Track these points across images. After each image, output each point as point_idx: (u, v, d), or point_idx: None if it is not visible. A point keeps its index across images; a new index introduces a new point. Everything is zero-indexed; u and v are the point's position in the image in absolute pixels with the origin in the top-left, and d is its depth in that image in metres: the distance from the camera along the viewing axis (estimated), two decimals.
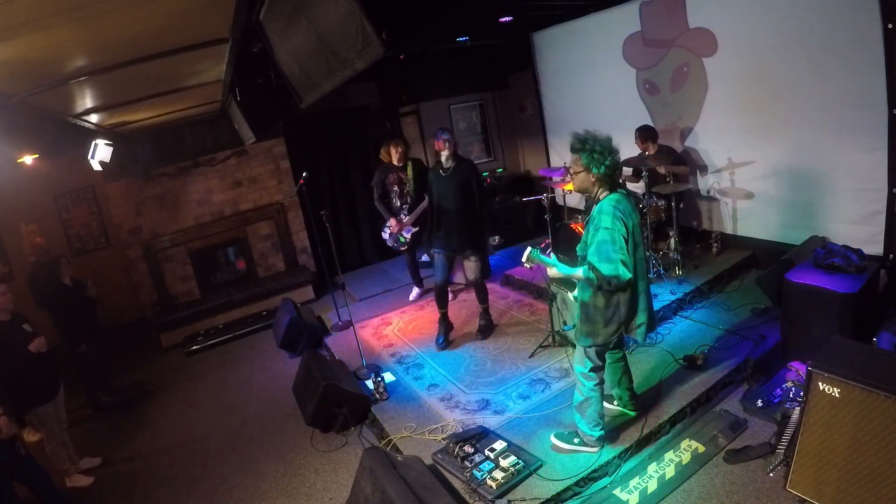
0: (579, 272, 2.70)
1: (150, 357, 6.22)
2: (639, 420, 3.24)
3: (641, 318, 2.82)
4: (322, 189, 7.25)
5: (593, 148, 2.64)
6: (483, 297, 4.66)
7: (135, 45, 2.63)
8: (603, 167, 2.63)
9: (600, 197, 2.72)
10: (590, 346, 2.86)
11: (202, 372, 5.60)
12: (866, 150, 3.99)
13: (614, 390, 3.33)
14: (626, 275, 2.56)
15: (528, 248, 2.96)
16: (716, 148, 5.26)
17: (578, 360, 2.96)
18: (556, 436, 3.15)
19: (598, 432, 3.00)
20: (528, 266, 3.01)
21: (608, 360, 3.19)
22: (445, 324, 4.70)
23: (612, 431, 3.19)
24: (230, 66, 3.63)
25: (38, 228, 6.47)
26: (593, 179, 2.69)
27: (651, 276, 4.87)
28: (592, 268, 2.60)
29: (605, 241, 2.57)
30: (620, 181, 2.81)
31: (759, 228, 5.12)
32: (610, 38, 5.95)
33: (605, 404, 3.40)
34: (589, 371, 2.92)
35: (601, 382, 2.96)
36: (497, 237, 4.47)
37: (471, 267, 4.48)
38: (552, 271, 2.84)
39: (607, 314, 2.77)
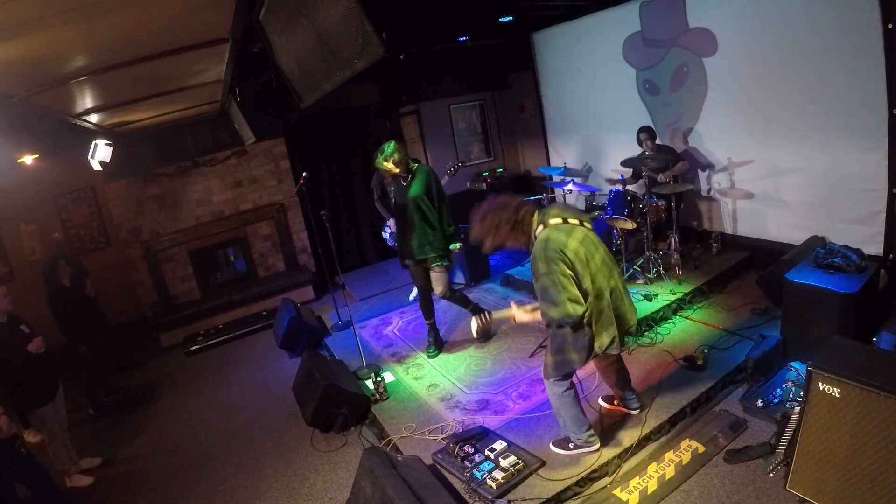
0: (538, 314, 2.69)
1: (150, 357, 6.22)
2: (639, 420, 3.24)
3: (612, 331, 2.72)
4: (322, 189, 7.26)
5: (497, 222, 2.64)
6: (464, 303, 4.53)
7: (135, 45, 2.63)
8: (518, 224, 2.64)
9: (535, 238, 2.66)
10: (561, 378, 2.83)
11: (202, 372, 5.60)
12: (866, 150, 3.99)
13: (613, 391, 3.33)
14: (577, 311, 2.52)
15: (473, 321, 2.97)
16: (716, 148, 5.26)
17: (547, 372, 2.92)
18: (554, 444, 3.15)
19: (585, 433, 2.99)
20: (479, 336, 2.95)
21: (603, 366, 3.19)
22: (435, 334, 4.61)
23: (612, 431, 3.19)
24: (230, 66, 3.63)
25: (38, 228, 6.48)
26: (522, 232, 2.67)
27: (650, 275, 4.88)
28: (544, 314, 2.61)
29: (546, 287, 2.54)
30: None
31: (759, 228, 5.12)
32: (610, 38, 5.95)
33: (604, 404, 3.41)
34: (555, 381, 2.87)
35: (571, 387, 2.92)
36: (459, 244, 4.34)
37: (435, 278, 4.26)
38: (519, 318, 2.82)
39: (578, 342, 2.71)
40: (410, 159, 4.23)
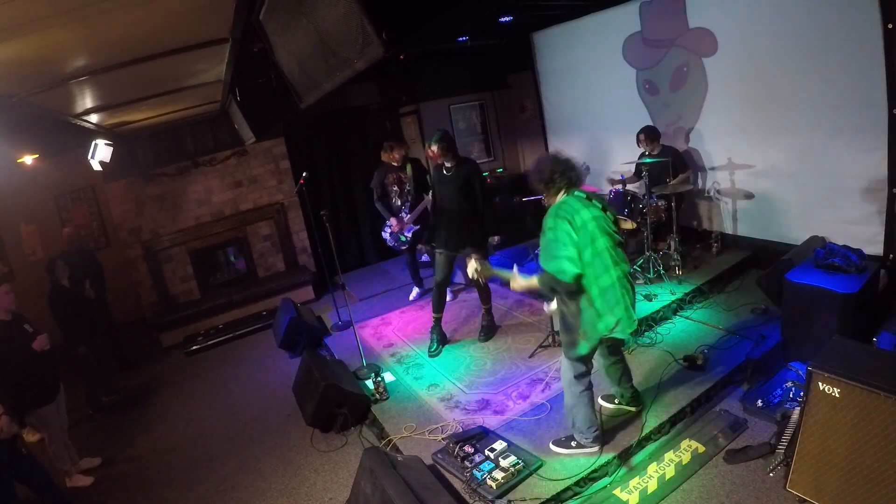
0: (534, 279, 2.75)
1: (150, 357, 6.22)
2: (639, 420, 3.24)
3: (618, 312, 2.73)
4: (322, 189, 7.26)
5: (538, 178, 2.80)
6: (486, 297, 4.64)
7: (135, 45, 2.63)
8: (546, 183, 2.78)
9: (555, 201, 2.81)
10: (576, 358, 2.86)
11: (202, 372, 5.60)
12: (866, 150, 3.99)
13: (614, 388, 3.34)
14: (570, 270, 2.60)
15: (472, 261, 2.95)
16: (716, 148, 5.26)
17: (564, 368, 2.96)
18: (554, 443, 3.15)
19: (592, 434, 3.00)
20: (476, 278, 2.99)
21: (606, 363, 3.20)
22: (438, 331, 4.63)
23: (612, 431, 3.19)
24: (230, 66, 3.63)
25: (38, 228, 6.48)
26: (551, 192, 2.82)
27: (650, 275, 4.88)
28: (542, 269, 2.69)
29: (550, 240, 2.66)
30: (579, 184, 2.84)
31: (759, 228, 5.12)
32: (610, 38, 5.95)
33: (605, 403, 3.42)
34: (574, 378, 2.91)
35: (589, 387, 2.96)
36: (497, 237, 4.39)
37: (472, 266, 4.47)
38: (516, 282, 2.88)
39: (578, 317, 2.75)
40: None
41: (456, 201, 4.27)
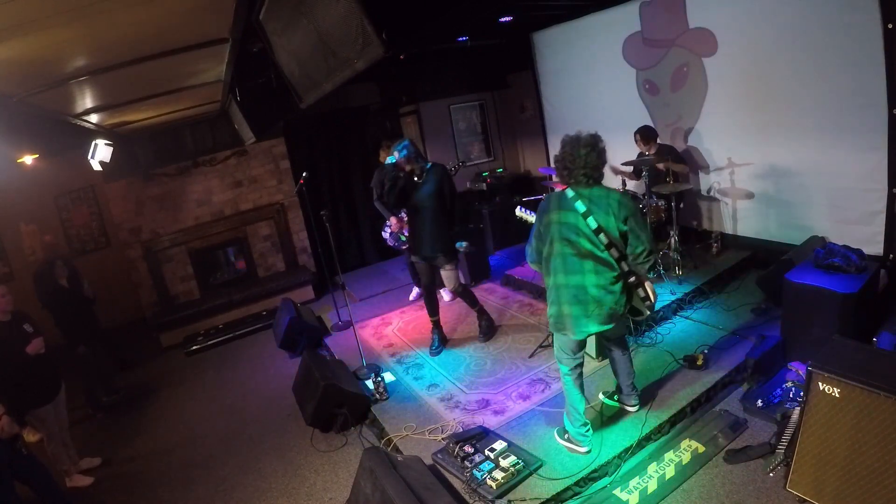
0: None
1: (150, 357, 6.22)
2: (639, 420, 3.24)
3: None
4: (322, 189, 7.27)
5: (556, 162, 2.91)
6: (471, 301, 4.58)
7: (135, 45, 2.63)
8: (558, 172, 2.90)
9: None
10: (565, 358, 2.99)
11: (202, 372, 5.60)
12: (866, 150, 3.99)
13: (614, 383, 3.36)
14: (529, 257, 3.02)
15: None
16: (716, 148, 5.26)
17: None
18: (557, 431, 3.22)
19: (578, 426, 3.02)
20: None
21: (608, 355, 3.28)
22: (439, 331, 4.63)
23: (612, 431, 3.19)
24: (230, 66, 3.63)
25: (38, 228, 6.48)
26: (560, 177, 2.93)
27: (651, 276, 4.87)
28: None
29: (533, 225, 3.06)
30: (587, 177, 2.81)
31: (759, 228, 5.12)
32: (610, 38, 5.95)
33: (606, 400, 3.43)
34: (557, 357, 3.06)
35: (573, 371, 3.00)
36: (465, 244, 4.29)
37: (447, 276, 4.37)
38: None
39: (547, 295, 2.97)
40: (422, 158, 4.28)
41: (429, 206, 4.19)
